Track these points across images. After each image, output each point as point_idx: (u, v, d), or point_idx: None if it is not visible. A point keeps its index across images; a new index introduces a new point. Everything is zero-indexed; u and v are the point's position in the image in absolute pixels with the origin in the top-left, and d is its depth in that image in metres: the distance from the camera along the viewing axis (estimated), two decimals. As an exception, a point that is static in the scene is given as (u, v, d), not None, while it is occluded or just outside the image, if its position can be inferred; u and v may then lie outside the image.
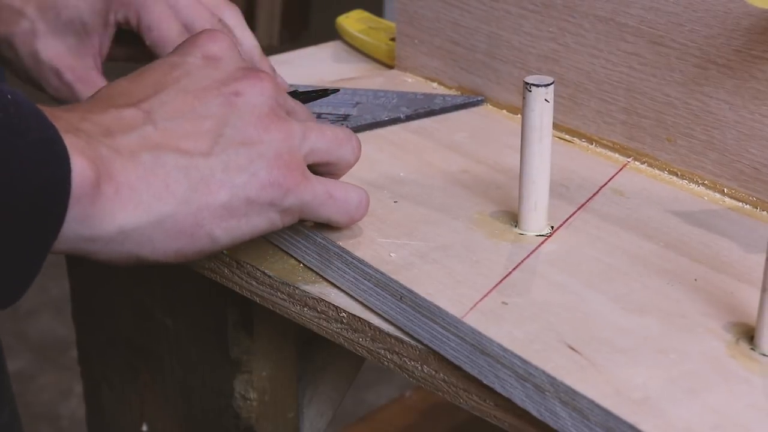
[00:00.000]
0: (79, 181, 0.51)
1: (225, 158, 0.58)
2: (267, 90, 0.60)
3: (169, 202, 0.55)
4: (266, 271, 0.65)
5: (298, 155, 0.60)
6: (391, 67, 0.91)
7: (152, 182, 0.55)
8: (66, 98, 0.76)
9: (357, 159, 0.64)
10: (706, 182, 0.70)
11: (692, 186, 0.71)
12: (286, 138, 0.60)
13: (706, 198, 0.70)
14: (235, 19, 0.81)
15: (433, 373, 0.59)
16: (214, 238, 0.58)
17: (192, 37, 0.63)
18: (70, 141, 0.51)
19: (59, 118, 0.53)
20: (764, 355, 0.54)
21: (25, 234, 0.50)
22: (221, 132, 0.58)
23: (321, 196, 0.61)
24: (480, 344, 0.55)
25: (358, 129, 0.77)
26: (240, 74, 0.61)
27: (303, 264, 0.66)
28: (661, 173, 0.73)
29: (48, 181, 0.50)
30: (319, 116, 0.79)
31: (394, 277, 0.60)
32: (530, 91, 0.61)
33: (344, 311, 0.62)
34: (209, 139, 0.58)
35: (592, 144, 0.76)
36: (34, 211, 0.50)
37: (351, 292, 0.63)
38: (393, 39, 0.91)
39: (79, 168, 0.51)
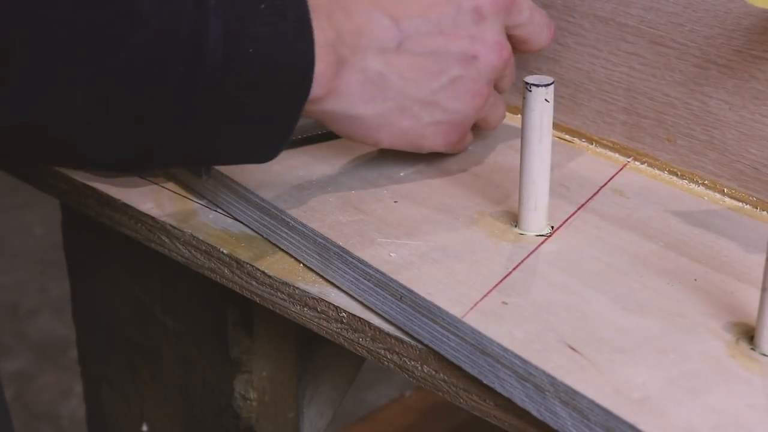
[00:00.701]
0: (317, 77, 0.61)
1: (430, 100, 0.67)
2: (498, 67, 0.69)
3: (367, 110, 0.65)
4: (266, 271, 0.65)
5: (470, 121, 0.70)
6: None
7: (365, 89, 0.64)
8: None
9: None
10: (706, 182, 0.70)
11: (692, 186, 0.71)
12: (477, 110, 0.69)
13: (706, 198, 0.70)
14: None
15: (433, 373, 0.59)
16: (378, 143, 0.68)
17: None
18: (319, 39, 0.60)
19: (320, 15, 0.62)
20: (764, 355, 0.54)
21: (284, 98, 0.61)
22: (442, 80, 0.67)
23: (457, 149, 0.73)
24: (480, 344, 0.55)
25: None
26: (489, 43, 0.68)
27: (303, 264, 0.66)
28: (661, 173, 0.73)
29: (300, 56, 0.60)
30: None
31: (394, 276, 0.60)
32: (530, 91, 0.61)
33: (344, 311, 0.62)
34: (431, 77, 0.66)
35: (592, 144, 0.76)
36: (290, 81, 0.60)
37: (351, 292, 0.63)
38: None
39: (319, 67, 0.61)
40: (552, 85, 0.61)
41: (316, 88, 0.61)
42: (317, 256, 0.64)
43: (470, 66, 0.67)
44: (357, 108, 0.65)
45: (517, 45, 0.72)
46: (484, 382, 0.56)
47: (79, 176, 0.75)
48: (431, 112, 0.67)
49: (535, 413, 0.53)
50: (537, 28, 0.72)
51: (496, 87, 0.72)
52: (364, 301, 0.62)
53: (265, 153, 0.63)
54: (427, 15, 0.66)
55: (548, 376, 0.52)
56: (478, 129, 0.74)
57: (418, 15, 0.66)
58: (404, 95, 0.66)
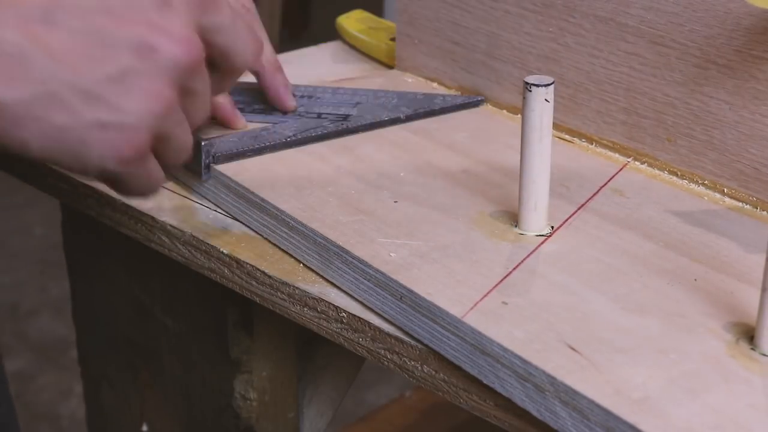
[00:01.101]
0: None
1: (92, 92, 0.54)
2: (184, 64, 0.55)
3: (4, 95, 0.51)
4: (266, 271, 0.65)
5: (149, 132, 0.56)
6: (391, 67, 0.91)
7: (2, 66, 0.51)
8: None
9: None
10: (706, 182, 0.70)
11: (692, 186, 0.71)
12: (157, 117, 0.55)
13: (706, 198, 0.70)
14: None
15: (433, 372, 0.59)
16: (27, 147, 0.54)
17: None
18: None
19: None
20: (764, 355, 0.54)
21: None
22: (108, 70, 0.54)
23: (140, 184, 0.58)
24: (480, 344, 0.55)
25: (358, 129, 0.77)
26: (174, 35, 0.55)
27: (303, 264, 0.66)
28: (661, 173, 0.73)
29: None
30: (319, 116, 0.79)
31: (394, 276, 0.60)
32: (530, 91, 0.61)
33: (344, 311, 0.62)
34: (94, 63, 0.53)
35: (592, 144, 0.76)
36: None
37: (351, 292, 0.63)
38: (393, 39, 0.91)
39: None
40: (552, 85, 0.61)
41: None
42: (317, 256, 0.64)
43: (147, 59, 0.54)
44: None
45: (215, 58, 0.60)
46: (484, 382, 0.56)
47: (79, 176, 0.76)
48: (94, 108, 0.53)
49: (535, 413, 0.53)
50: (240, 39, 0.60)
51: (184, 107, 0.58)
52: (364, 301, 0.62)
53: None
54: None
55: (548, 376, 0.52)
56: (162, 160, 0.59)
57: None
58: (56, 80, 0.52)
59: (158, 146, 0.57)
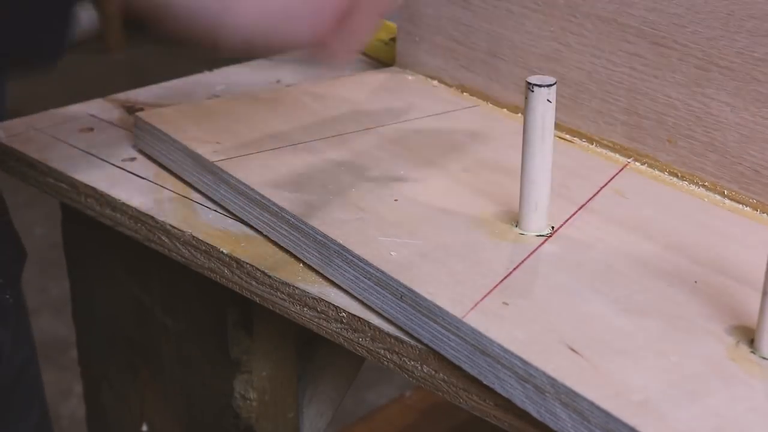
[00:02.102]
0: None
1: None
2: None
3: None
4: (266, 271, 0.65)
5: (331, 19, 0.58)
6: (390, 65, 0.91)
7: None
8: None
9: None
10: (706, 184, 0.70)
11: (693, 188, 0.71)
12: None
13: (706, 200, 0.69)
14: None
15: (433, 373, 0.59)
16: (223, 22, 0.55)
17: None
18: None
19: None
20: (764, 358, 0.54)
21: None
22: None
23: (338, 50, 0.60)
24: (480, 344, 0.55)
25: None
26: None
27: (303, 263, 0.66)
28: (662, 174, 0.72)
29: None
30: None
31: (394, 276, 0.60)
32: (533, 91, 0.61)
33: (344, 311, 0.62)
34: None
35: (592, 144, 0.76)
36: None
37: (351, 291, 0.63)
38: (393, 39, 0.90)
39: None
40: (554, 86, 0.61)
41: None
42: (317, 254, 0.64)
43: None
44: None
45: None
46: (484, 382, 0.56)
47: (80, 176, 0.75)
48: None
49: (535, 414, 0.53)
50: None
51: None
52: (364, 300, 0.62)
53: (44, 47, 0.53)
54: None
55: (548, 377, 0.52)
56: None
57: None
58: None
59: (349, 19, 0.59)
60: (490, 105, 0.83)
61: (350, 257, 0.62)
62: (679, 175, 0.72)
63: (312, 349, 0.80)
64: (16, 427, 0.73)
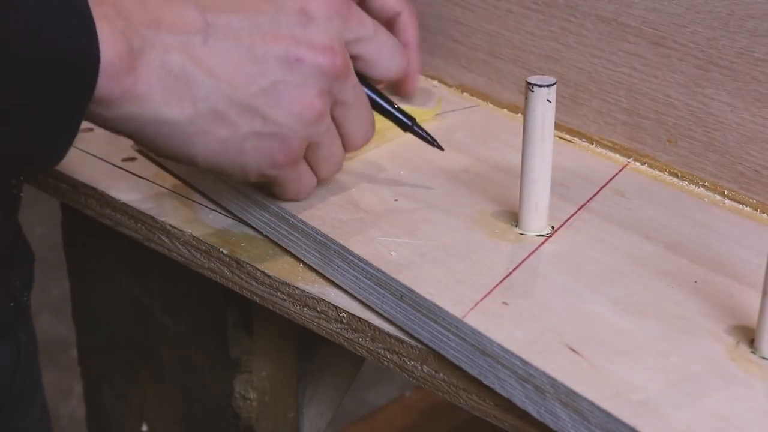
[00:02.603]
0: (104, 67, 0.53)
1: (247, 105, 0.58)
2: (329, 72, 0.60)
3: (175, 113, 0.57)
4: (266, 271, 0.65)
5: (301, 140, 0.61)
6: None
7: (169, 88, 0.56)
8: None
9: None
10: (706, 184, 0.70)
11: (693, 188, 0.71)
12: (308, 124, 0.61)
13: (706, 200, 0.69)
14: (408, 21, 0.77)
15: (433, 373, 0.59)
16: (194, 160, 0.60)
17: None
18: (103, 27, 0.53)
19: (105, 2, 0.54)
20: (764, 358, 0.54)
21: (58, 97, 0.52)
22: (260, 83, 0.58)
23: (293, 188, 0.65)
24: (480, 344, 0.55)
25: None
26: (317, 46, 0.60)
27: (303, 263, 0.66)
28: (662, 174, 0.72)
29: (75, 53, 0.52)
30: None
31: (394, 276, 0.60)
32: (533, 91, 0.61)
33: (344, 311, 0.62)
34: (247, 77, 0.58)
35: (592, 144, 0.76)
36: (66, 73, 0.52)
37: (351, 291, 0.63)
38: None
39: (106, 57, 0.53)
40: (554, 86, 0.61)
41: (107, 84, 0.53)
42: (318, 255, 0.64)
43: (294, 70, 0.59)
44: (163, 111, 0.56)
45: (361, 67, 0.65)
46: (484, 382, 0.56)
47: (80, 176, 0.75)
48: (250, 120, 0.59)
49: (535, 414, 0.53)
50: (384, 49, 0.65)
51: (338, 118, 0.63)
52: (364, 300, 0.62)
53: (45, 157, 0.55)
54: (241, 11, 0.59)
55: (548, 377, 0.52)
56: (314, 168, 0.66)
57: (230, 10, 0.58)
58: (217, 97, 0.57)
59: (309, 153, 0.63)
60: (491, 105, 0.83)
61: (350, 257, 0.62)
62: (679, 175, 0.72)
63: (312, 349, 0.80)
64: (22, 418, 0.74)
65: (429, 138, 0.70)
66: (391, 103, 0.69)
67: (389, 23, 0.76)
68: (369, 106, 0.66)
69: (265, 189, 0.67)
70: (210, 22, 0.57)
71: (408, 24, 0.77)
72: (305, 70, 0.59)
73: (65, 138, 0.54)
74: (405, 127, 0.70)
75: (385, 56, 0.66)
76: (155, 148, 0.59)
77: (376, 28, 0.65)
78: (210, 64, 0.57)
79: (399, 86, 0.79)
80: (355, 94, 0.63)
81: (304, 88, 0.60)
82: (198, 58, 0.57)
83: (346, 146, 0.66)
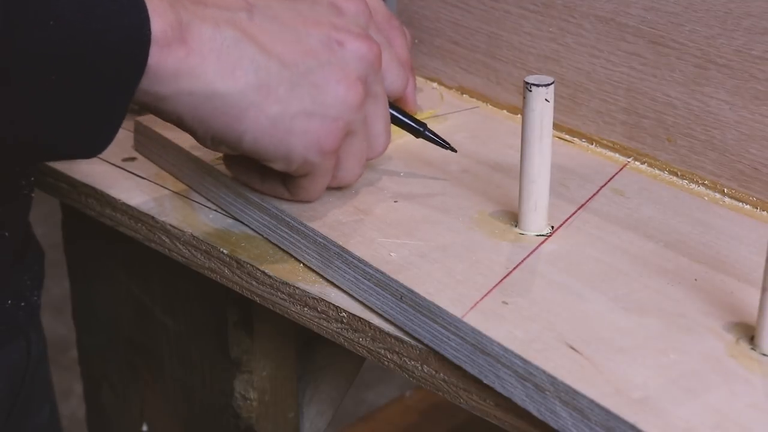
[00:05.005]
0: (156, 37, 0.53)
1: (296, 82, 0.58)
2: (368, 59, 0.61)
3: (228, 86, 0.56)
4: (266, 271, 0.65)
5: (345, 125, 0.61)
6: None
7: (222, 60, 0.55)
8: None
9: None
10: (706, 182, 0.70)
11: (692, 186, 0.71)
12: (352, 108, 0.60)
13: (706, 198, 0.70)
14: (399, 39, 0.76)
15: (433, 372, 0.59)
16: (242, 140, 0.59)
17: None
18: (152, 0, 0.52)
19: None
20: (764, 355, 0.54)
21: (106, 82, 0.52)
22: (307, 62, 0.58)
23: (320, 183, 0.64)
24: (480, 344, 0.55)
25: None
26: (355, 33, 0.61)
27: (303, 264, 0.66)
28: (661, 173, 0.73)
29: (126, 31, 0.51)
30: None
31: (394, 276, 0.60)
32: (530, 91, 0.61)
33: (344, 311, 0.62)
34: (295, 55, 0.58)
35: (592, 144, 0.76)
36: (113, 58, 0.51)
37: (351, 292, 0.63)
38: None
39: (157, 26, 0.52)
40: (552, 85, 0.61)
41: (159, 54, 0.53)
42: (317, 256, 0.64)
43: (336, 54, 0.60)
44: (216, 83, 0.56)
45: None
46: (485, 382, 0.56)
47: (80, 176, 0.76)
48: (299, 98, 0.58)
49: (535, 413, 0.53)
50: (394, 64, 0.67)
51: (367, 112, 0.63)
52: (364, 301, 0.62)
53: (92, 142, 0.55)
54: None
55: (548, 375, 0.52)
56: (342, 164, 0.65)
57: None
58: (269, 71, 0.57)
59: (344, 145, 0.63)
60: (490, 106, 0.83)
61: (350, 258, 0.62)
62: (679, 173, 0.72)
63: (312, 349, 0.80)
64: (32, 419, 0.75)
65: (441, 141, 0.70)
66: (402, 111, 0.70)
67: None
68: (388, 109, 0.66)
69: (265, 190, 0.67)
70: (252, 2, 0.58)
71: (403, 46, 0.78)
72: (346, 55, 0.60)
73: (115, 118, 0.54)
74: (417, 133, 0.70)
75: (394, 71, 0.67)
76: (207, 127, 0.58)
77: (390, 39, 0.66)
78: (261, 39, 0.57)
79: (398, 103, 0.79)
80: (382, 90, 0.64)
81: (347, 71, 0.60)
82: (248, 32, 0.57)
83: (370, 149, 0.66)
